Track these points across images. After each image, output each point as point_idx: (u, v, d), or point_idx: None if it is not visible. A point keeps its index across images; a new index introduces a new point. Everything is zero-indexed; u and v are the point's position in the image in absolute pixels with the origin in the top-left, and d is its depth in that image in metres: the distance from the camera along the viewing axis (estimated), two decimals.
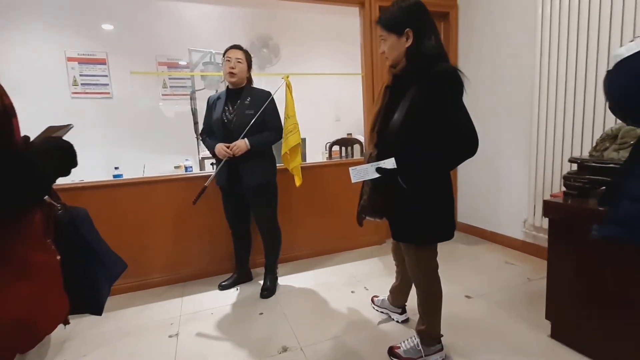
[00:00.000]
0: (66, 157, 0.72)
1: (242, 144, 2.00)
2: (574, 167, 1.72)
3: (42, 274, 0.68)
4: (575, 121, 2.13)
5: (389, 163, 1.28)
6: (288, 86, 2.23)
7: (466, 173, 3.09)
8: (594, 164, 1.50)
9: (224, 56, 2.08)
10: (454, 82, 1.21)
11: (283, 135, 2.19)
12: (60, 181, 0.75)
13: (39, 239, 0.71)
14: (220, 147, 2.02)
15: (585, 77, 2.06)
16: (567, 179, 1.60)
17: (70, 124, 0.81)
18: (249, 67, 2.12)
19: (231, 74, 2.03)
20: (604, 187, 1.46)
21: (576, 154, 2.13)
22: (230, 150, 2.00)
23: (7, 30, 3.14)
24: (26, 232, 0.67)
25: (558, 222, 1.57)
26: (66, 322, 0.77)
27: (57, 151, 0.71)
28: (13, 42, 3.15)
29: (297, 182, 2.37)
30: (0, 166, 0.56)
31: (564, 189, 1.64)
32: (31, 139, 0.71)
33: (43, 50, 3.26)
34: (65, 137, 0.76)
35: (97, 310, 0.86)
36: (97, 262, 0.85)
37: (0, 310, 0.59)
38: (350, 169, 1.34)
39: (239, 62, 2.03)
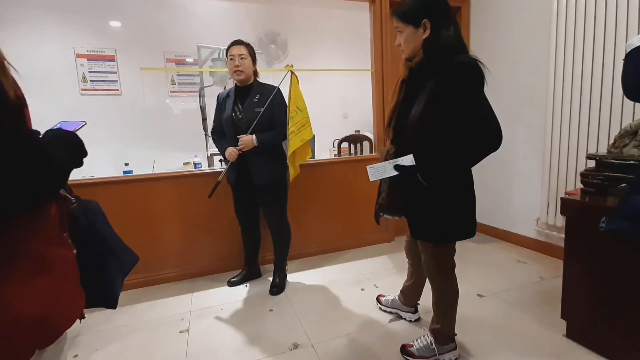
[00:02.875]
0: (74, 147, 0.72)
1: (248, 140, 1.98)
2: (589, 164, 1.68)
3: (59, 269, 0.67)
4: (591, 117, 2.09)
5: (408, 160, 1.24)
6: (294, 77, 2.09)
7: (477, 170, 3.04)
8: (613, 161, 1.47)
9: (227, 54, 2.05)
10: (473, 74, 1.16)
11: (293, 129, 2.02)
12: (71, 177, 0.74)
13: (56, 233, 0.70)
14: (230, 150, 2.02)
15: (602, 71, 2.02)
16: (584, 175, 1.56)
17: (83, 121, 0.81)
18: (254, 60, 2.06)
19: (237, 72, 1.99)
20: (623, 185, 1.43)
21: (592, 150, 2.09)
22: (239, 144, 1.99)
23: (17, 26, 3.15)
24: (42, 226, 0.66)
25: (575, 220, 1.54)
26: (82, 317, 0.76)
27: (64, 142, 0.71)
28: (23, 38, 3.16)
29: (292, 174, 2.14)
30: (24, 160, 0.55)
31: (580, 186, 1.60)
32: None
33: (52, 47, 3.28)
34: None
35: (112, 303, 0.85)
36: (111, 255, 0.84)
37: (19, 306, 0.58)
38: (367, 167, 1.31)
39: (242, 58, 1.99)
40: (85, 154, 0.74)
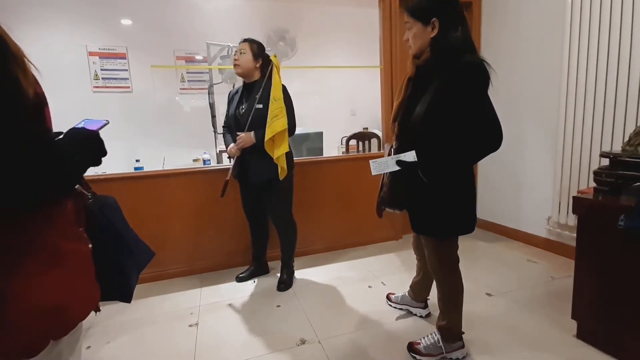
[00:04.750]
0: (94, 146, 0.73)
1: (246, 137, 2.00)
2: (603, 162, 1.65)
3: (74, 262, 0.69)
4: (606, 114, 2.04)
5: (410, 156, 1.26)
6: (276, 67, 2.00)
7: (487, 167, 3.02)
8: (628, 159, 1.44)
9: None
10: (479, 74, 1.18)
11: (268, 119, 1.93)
12: (85, 173, 0.76)
13: (71, 228, 0.72)
14: (229, 147, 2.08)
15: (618, 67, 1.97)
16: (597, 174, 1.53)
17: (107, 120, 0.82)
18: (257, 56, 2.04)
19: (235, 65, 2.04)
20: (638, 184, 1.40)
21: (606, 148, 2.05)
22: (236, 144, 2.01)
23: (31, 25, 3.22)
24: (59, 220, 0.68)
25: (587, 219, 1.51)
26: (97, 310, 0.78)
27: (85, 141, 0.72)
28: (36, 37, 3.22)
29: (281, 174, 2.04)
30: (37, 157, 0.56)
31: (593, 184, 1.58)
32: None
33: (66, 45, 3.34)
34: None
35: (127, 297, 0.87)
36: (126, 250, 0.85)
37: (35, 297, 0.60)
38: (370, 161, 1.33)
39: (241, 53, 2.02)
40: (104, 153, 0.75)
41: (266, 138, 1.94)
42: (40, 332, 0.62)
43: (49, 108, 0.67)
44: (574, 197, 1.56)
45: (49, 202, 0.65)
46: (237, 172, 2.14)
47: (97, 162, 0.74)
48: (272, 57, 2.03)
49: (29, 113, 0.58)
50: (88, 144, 0.72)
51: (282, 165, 2.03)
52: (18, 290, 0.59)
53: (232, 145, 2.08)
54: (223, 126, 2.28)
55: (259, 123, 1.99)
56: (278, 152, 1.99)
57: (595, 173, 1.54)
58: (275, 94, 1.97)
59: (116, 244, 0.82)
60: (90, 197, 0.80)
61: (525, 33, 2.60)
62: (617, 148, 1.88)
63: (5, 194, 0.54)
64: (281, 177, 2.05)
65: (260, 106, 2.00)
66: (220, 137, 2.68)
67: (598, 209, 1.46)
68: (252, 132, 2.00)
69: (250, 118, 1.99)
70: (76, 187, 0.76)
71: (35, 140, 0.57)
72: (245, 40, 2.06)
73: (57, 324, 0.64)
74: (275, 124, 1.94)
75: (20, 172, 0.54)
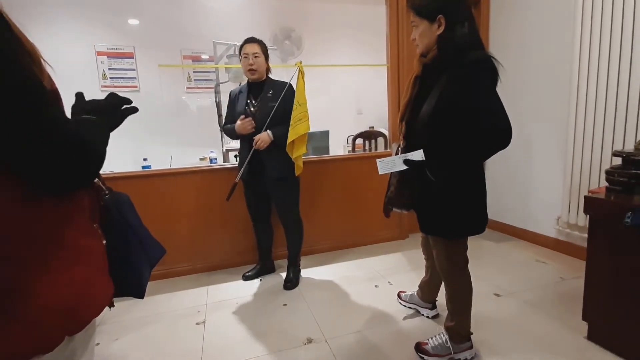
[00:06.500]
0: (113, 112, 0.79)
1: (265, 137, 2.01)
2: (614, 161, 1.62)
3: (90, 259, 0.69)
4: (618, 112, 2.00)
5: (417, 155, 1.25)
6: (301, 72, 2.08)
7: (495, 166, 2.98)
8: None
9: (240, 52, 2.06)
10: (487, 71, 1.16)
11: (291, 123, 2.03)
12: None
13: (87, 224, 0.72)
14: (240, 123, 2.02)
15: (630, 64, 1.93)
16: (610, 173, 1.50)
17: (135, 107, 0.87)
18: (267, 57, 2.09)
19: (251, 70, 2.02)
20: None
21: (618, 147, 2.01)
22: (255, 144, 2.01)
23: (39, 25, 3.25)
24: (78, 216, 0.68)
25: (599, 219, 1.49)
26: (111, 305, 0.78)
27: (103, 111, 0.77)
28: (45, 36, 3.26)
29: (297, 170, 2.16)
30: (68, 143, 0.58)
31: (604, 184, 1.55)
32: None
33: (73, 45, 3.37)
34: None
35: (140, 294, 0.87)
36: (139, 246, 0.86)
37: (52, 293, 0.61)
38: (377, 160, 1.32)
39: (256, 57, 2.02)
40: (125, 101, 0.82)
41: (289, 140, 2.02)
42: (57, 327, 0.62)
43: (63, 105, 0.68)
44: (585, 197, 1.53)
45: (84, 183, 0.68)
46: (247, 173, 2.10)
47: (117, 119, 0.80)
48: (298, 65, 2.08)
49: (52, 102, 0.59)
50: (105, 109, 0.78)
51: (299, 164, 2.14)
52: (38, 285, 0.59)
53: (239, 123, 2.03)
54: (224, 125, 2.26)
55: (274, 121, 2.02)
56: (297, 153, 2.10)
57: (607, 172, 1.51)
58: (300, 98, 2.05)
59: (130, 240, 0.83)
60: (106, 192, 0.80)
61: (534, 29, 2.56)
62: (630, 147, 1.85)
63: (43, 176, 0.57)
64: (297, 174, 2.14)
65: (275, 104, 2.01)
66: (226, 137, 2.68)
67: (610, 209, 1.43)
68: (269, 131, 2.01)
69: (271, 116, 2.00)
70: (95, 181, 0.77)
71: (63, 125, 0.59)
72: (254, 41, 2.04)
73: (72, 320, 0.65)
74: (299, 127, 2.04)
75: (56, 155, 0.56)
